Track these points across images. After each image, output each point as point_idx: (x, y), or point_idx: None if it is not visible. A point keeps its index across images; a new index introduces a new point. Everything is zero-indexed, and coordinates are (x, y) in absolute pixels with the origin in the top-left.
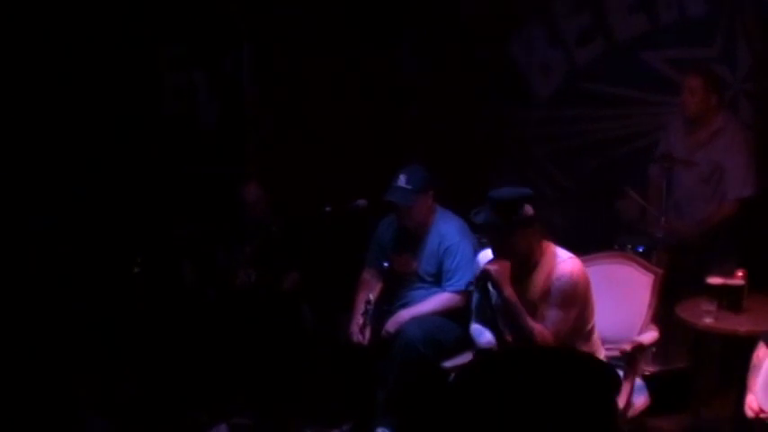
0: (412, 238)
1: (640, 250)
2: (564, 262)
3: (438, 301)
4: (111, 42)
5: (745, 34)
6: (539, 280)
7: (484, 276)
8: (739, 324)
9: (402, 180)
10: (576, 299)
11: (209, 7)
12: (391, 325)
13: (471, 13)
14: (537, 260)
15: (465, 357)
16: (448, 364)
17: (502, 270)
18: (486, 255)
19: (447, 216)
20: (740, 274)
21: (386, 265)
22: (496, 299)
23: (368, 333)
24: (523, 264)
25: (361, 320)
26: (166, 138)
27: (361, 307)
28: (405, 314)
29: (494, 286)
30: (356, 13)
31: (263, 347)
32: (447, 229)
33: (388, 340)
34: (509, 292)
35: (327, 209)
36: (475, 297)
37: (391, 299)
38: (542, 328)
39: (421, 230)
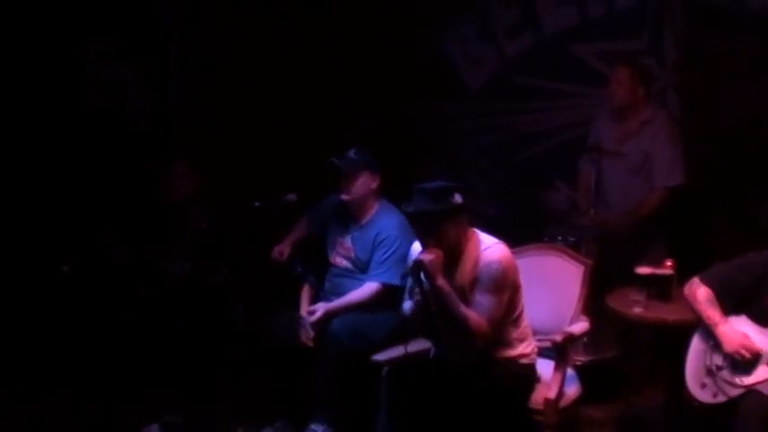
0: (353, 225)
1: (570, 241)
2: (490, 248)
3: (361, 291)
4: (36, 36)
5: (673, 27)
6: (466, 267)
7: (417, 267)
8: (668, 313)
9: (351, 152)
10: (506, 283)
11: (138, 1)
12: (313, 326)
13: (401, 8)
14: (464, 248)
15: (396, 351)
16: (379, 357)
17: (435, 260)
18: (418, 246)
19: (390, 210)
20: (669, 263)
21: (299, 269)
22: (429, 288)
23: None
24: (451, 252)
25: (312, 333)
26: (94, 133)
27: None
28: (326, 308)
29: (426, 276)
30: (286, 5)
31: (194, 344)
32: (388, 222)
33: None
34: (441, 281)
35: (256, 204)
36: (408, 281)
37: (323, 285)
38: (476, 315)
39: (362, 218)
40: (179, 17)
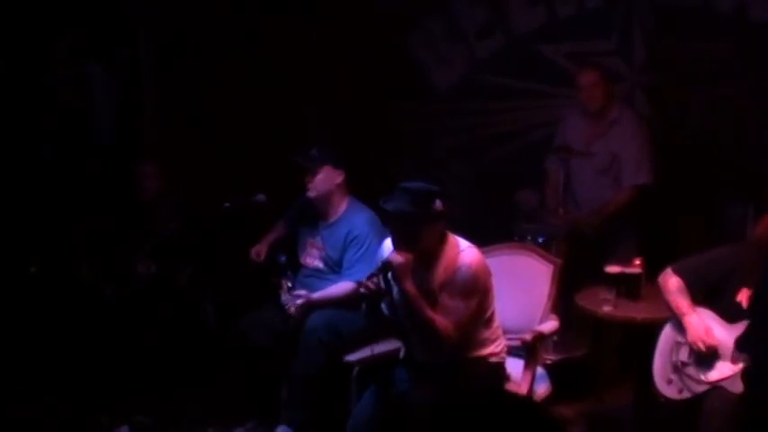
0: (323, 224)
1: (540, 241)
2: (464, 252)
3: (337, 289)
4: (3, 32)
5: (641, 28)
6: (440, 270)
7: (385, 267)
8: (637, 311)
9: (314, 150)
10: (476, 288)
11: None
12: (297, 309)
13: (371, 8)
14: (438, 251)
15: (366, 351)
16: (351, 357)
17: (404, 263)
18: (389, 244)
19: (358, 207)
20: (638, 262)
21: (282, 259)
22: (396, 290)
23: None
24: (425, 254)
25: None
26: (61, 132)
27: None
28: (309, 297)
29: (393, 278)
30: (255, 4)
31: (164, 344)
32: (357, 220)
33: (291, 336)
34: (408, 285)
35: (226, 204)
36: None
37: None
38: (442, 319)
39: (332, 216)
40: (147, 14)
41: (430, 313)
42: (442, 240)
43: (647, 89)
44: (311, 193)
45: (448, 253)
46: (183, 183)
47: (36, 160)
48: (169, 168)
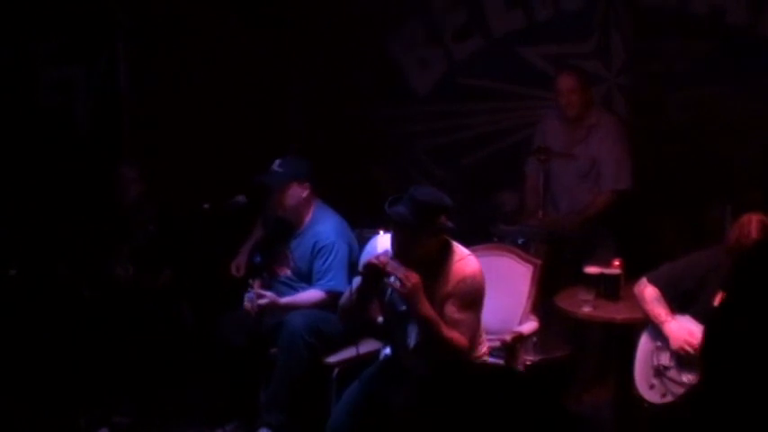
0: (290, 234)
1: (520, 242)
2: (463, 262)
3: (307, 296)
4: None
5: (619, 29)
6: (443, 277)
7: (370, 269)
8: (617, 312)
9: (276, 165)
10: (481, 298)
11: (84, 3)
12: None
13: (349, 11)
14: (441, 261)
15: (348, 353)
16: (332, 359)
17: (416, 286)
18: (383, 242)
19: (325, 213)
20: (617, 263)
21: (257, 259)
22: (390, 296)
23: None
24: (427, 264)
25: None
26: (42, 135)
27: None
28: (275, 299)
29: (406, 302)
30: (235, 6)
31: (142, 346)
32: (323, 228)
33: (271, 337)
34: (425, 309)
35: (206, 206)
36: (355, 281)
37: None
38: (458, 335)
39: (298, 226)
40: (127, 18)
41: (447, 332)
42: (445, 250)
43: (625, 91)
44: (278, 212)
45: (448, 262)
46: (163, 185)
47: (17, 161)
48: (149, 170)
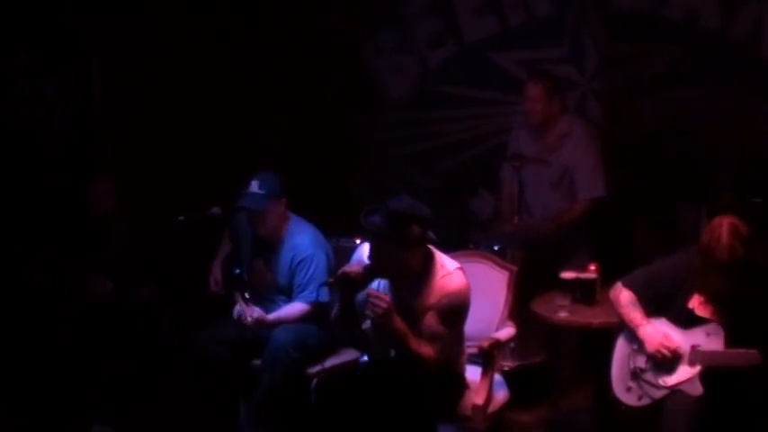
0: (266, 249)
1: (496, 248)
2: (448, 277)
3: (292, 310)
4: None
5: (592, 34)
6: (426, 291)
7: (343, 280)
8: (593, 317)
9: (254, 186)
10: (465, 314)
11: (57, 16)
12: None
13: (322, 19)
14: (421, 272)
15: (329, 362)
16: (312, 370)
17: (388, 308)
18: (364, 250)
19: (300, 226)
20: (593, 267)
21: (237, 271)
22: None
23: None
24: (404, 274)
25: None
26: (17, 149)
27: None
28: (263, 316)
29: (378, 322)
30: (207, 19)
31: (121, 360)
32: (300, 241)
33: (253, 349)
34: (396, 325)
35: (181, 218)
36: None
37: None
38: (427, 347)
39: (275, 241)
40: (100, 31)
41: (415, 346)
42: (428, 261)
43: (599, 95)
44: (261, 231)
45: (434, 275)
46: (138, 198)
47: None
48: (123, 184)
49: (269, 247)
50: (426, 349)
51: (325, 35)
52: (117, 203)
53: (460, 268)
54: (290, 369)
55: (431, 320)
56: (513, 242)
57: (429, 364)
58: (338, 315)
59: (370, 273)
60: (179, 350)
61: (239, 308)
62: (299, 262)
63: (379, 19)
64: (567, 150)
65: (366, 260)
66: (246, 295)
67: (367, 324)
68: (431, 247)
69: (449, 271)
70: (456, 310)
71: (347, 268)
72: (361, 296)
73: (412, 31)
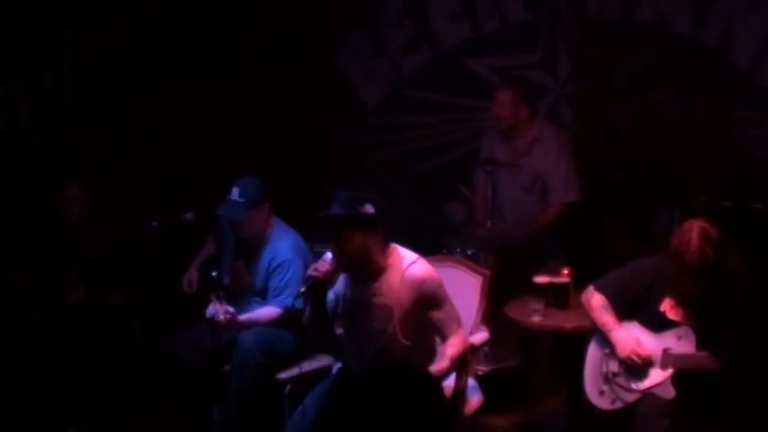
0: (248, 251)
1: (469, 253)
2: (415, 265)
3: (265, 313)
4: None
5: (565, 40)
6: (392, 284)
7: (314, 283)
8: (566, 321)
9: (235, 193)
10: (445, 289)
11: (28, 20)
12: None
13: (297, 24)
14: (384, 264)
15: (302, 368)
16: (283, 375)
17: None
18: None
19: (283, 232)
20: (566, 271)
21: (214, 274)
22: (342, 307)
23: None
24: (367, 264)
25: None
26: None
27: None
28: (236, 316)
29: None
30: (179, 23)
31: (94, 367)
32: (281, 245)
33: (225, 354)
34: (447, 366)
35: (154, 224)
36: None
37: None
38: (456, 334)
39: (257, 244)
40: (71, 36)
41: (462, 353)
42: (386, 252)
43: (572, 100)
44: (242, 236)
45: (396, 266)
46: (111, 204)
47: None
48: (96, 189)
49: (251, 249)
50: (457, 336)
51: (299, 39)
52: (90, 209)
53: (421, 258)
54: (258, 373)
55: (433, 312)
56: (485, 246)
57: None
58: (310, 318)
59: (336, 266)
60: (152, 355)
61: (212, 307)
62: (277, 266)
63: (353, 24)
64: (538, 155)
65: (329, 255)
66: (221, 294)
67: (340, 330)
68: (391, 243)
69: (413, 260)
70: (438, 289)
71: (313, 271)
72: (329, 298)
73: (386, 36)
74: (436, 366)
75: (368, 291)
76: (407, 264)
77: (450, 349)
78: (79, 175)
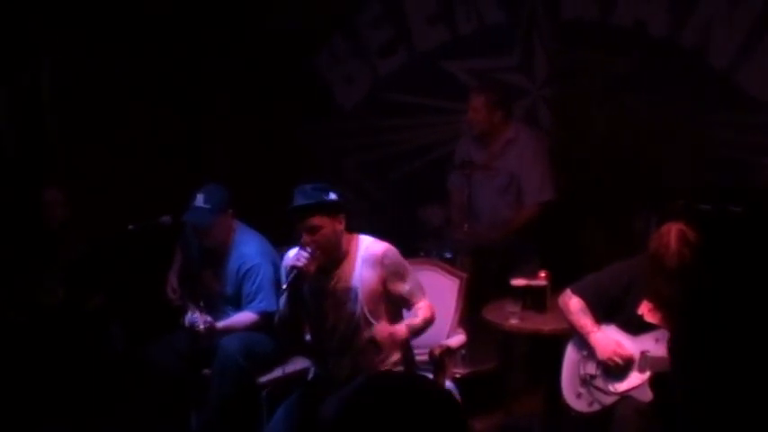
0: (214, 260)
1: (446, 256)
2: (373, 243)
3: (242, 319)
4: None
5: (542, 42)
6: (353, 267)
7: (296, 274)
8: (543, 323)
9: (200, 200)
10: (406, 263)
11: (6, 23)
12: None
13: (273, 27)
14: (347, 249)
15: (278, 372)
16: (263, 379)
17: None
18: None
19: (247, 236)
20: (543, 274)
21: (188, 283)
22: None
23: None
24: (333, 254)
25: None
26: None
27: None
28: (214, 323)
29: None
30: (160, 26)
31: (72, 371)
32: (247, 251)
33: (203, 359)
34: (405, 334)
35: (131, 227)
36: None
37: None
38: (424, 307)
39: (222, 252)
40: (50, 39)
41: (422, 323)
42: (350, 241)
43: (549, 103)
44: (206, 243)
45: (355, 249)
46: (89, 207)
47: None
48: (75, 193)
49: (216, 257)
50: (424, 309)
51: (276, 41)
52: (69, 213)
53: (376, 239)
54: (240, 377)
55: (397, 284)
56: (463, 249)
57: (433, 316)
58: (286, 314)
59: (316, 256)
60: (130, 359)
61: (192, 316)
62: (246, 272)
63: (330, 26)
64: (513, 156)
65: (298, 251)
66: (201, 303)
67: (308, 336)
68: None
69: (369, 240)
70: (400, 262)
71: (296, 262)
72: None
73: (363, 39)
74: (394, 328)
75: (331, 278)
76: (364, 245)
77: (412, 319)
78: (59, 178)
